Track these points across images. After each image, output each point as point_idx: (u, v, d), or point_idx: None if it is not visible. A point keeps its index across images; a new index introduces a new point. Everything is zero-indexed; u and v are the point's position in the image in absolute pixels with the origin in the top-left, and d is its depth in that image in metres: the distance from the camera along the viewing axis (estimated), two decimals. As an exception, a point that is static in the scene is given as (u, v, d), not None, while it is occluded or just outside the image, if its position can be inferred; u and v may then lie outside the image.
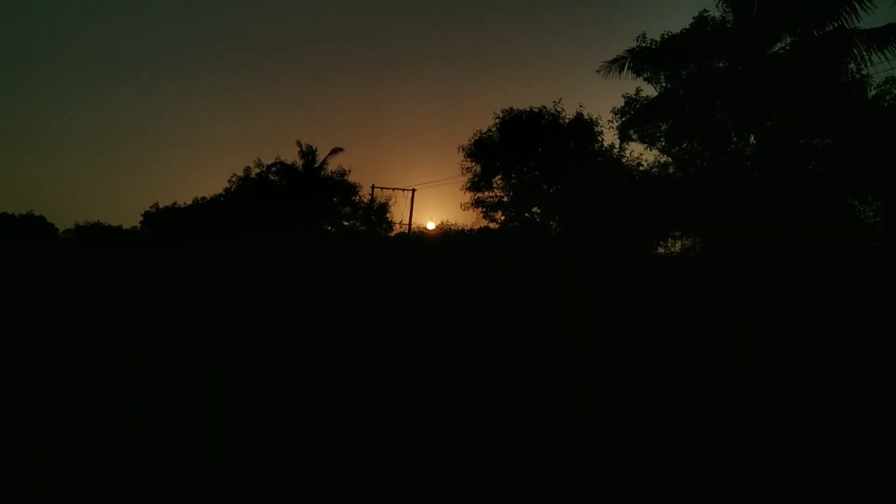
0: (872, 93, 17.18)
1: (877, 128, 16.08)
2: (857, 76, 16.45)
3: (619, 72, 19.54)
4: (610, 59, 19.68)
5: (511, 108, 25.23)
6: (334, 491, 5.54)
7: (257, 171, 46.74)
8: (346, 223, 45.11)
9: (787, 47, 16.94)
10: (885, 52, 14.96)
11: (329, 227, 45.08)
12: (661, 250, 22.22)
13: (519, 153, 25.17)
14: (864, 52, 15.34)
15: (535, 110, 24.82)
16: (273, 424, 7.31)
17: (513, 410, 8.17)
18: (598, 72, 19.97)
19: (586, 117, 24.35)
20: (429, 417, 7.83)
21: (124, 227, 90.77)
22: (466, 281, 28.25)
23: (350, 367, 10.91)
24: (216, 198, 59.75)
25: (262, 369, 10.31)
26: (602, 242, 22.13)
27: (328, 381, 9.66)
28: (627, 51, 19.35)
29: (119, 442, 6.38)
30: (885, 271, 13.60)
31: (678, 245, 21.56)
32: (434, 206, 76.60)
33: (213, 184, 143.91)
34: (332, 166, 44.25)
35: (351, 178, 44.18)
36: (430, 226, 45.45)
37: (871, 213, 15.78)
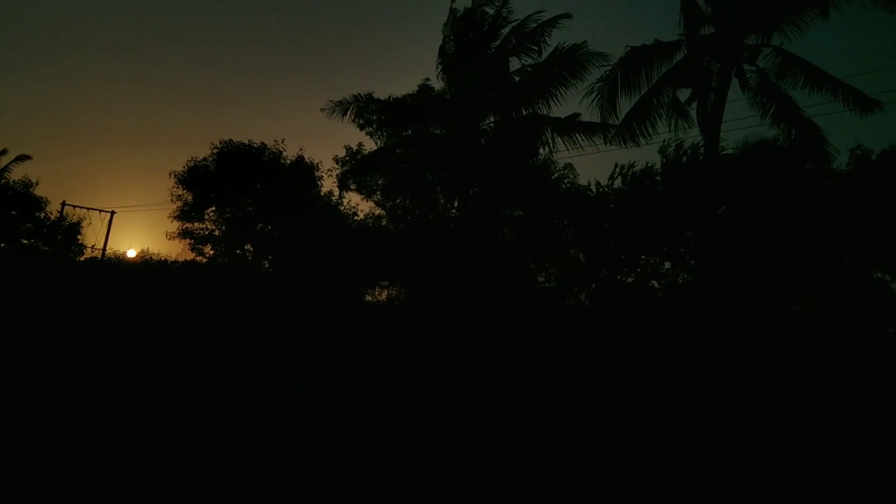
0: (556, 175, 19.70)
1: (556, 206, 18.44)
2: (548, 159, 18.83)
3: (343, 115, 20.12)
4: (337, 100, 20.17)
5: (231, 140, 24.35)
6: None
7: (-89, 172, 38.66)
8: (25, 241, 39.07)
9: (492, 124, 18.89)
10: (568, 139, 17.43)
11: (2, 245, 38.63)
12: (368, 298, 22.81)
13: (236, 187, 24.24)
14: (552, 137, 17.72)
15: (256, 146, 24.27)
16: None
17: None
18: (322, 110, 20.33)
19: (308, 161, 24.43)
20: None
21: None
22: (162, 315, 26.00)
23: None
24: None
25: None
26: (314, 286, 22.05)
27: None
28: (354, 96, 19.98)
29: None
30: (553, 326, 15.47)
31: (385, 294, 22.35)
32: (137, 233, 70.20)
33: None
34: (16, 175, 38.43)
35: (39, 192, 38.70)
36: (131, 253, 41.47)
37: (543, 279, 17.94)
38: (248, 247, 25.31)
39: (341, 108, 20.22)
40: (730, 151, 15.60)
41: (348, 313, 20.89)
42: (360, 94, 20.17)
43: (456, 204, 19.73)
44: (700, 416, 10.99)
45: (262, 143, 24.43)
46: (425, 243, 19.55)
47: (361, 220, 22.82)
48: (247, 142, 24.36)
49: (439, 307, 17.64)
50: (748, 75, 14.68)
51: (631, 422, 10.39)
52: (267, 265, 25.35)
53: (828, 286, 14.40)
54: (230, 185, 23.96)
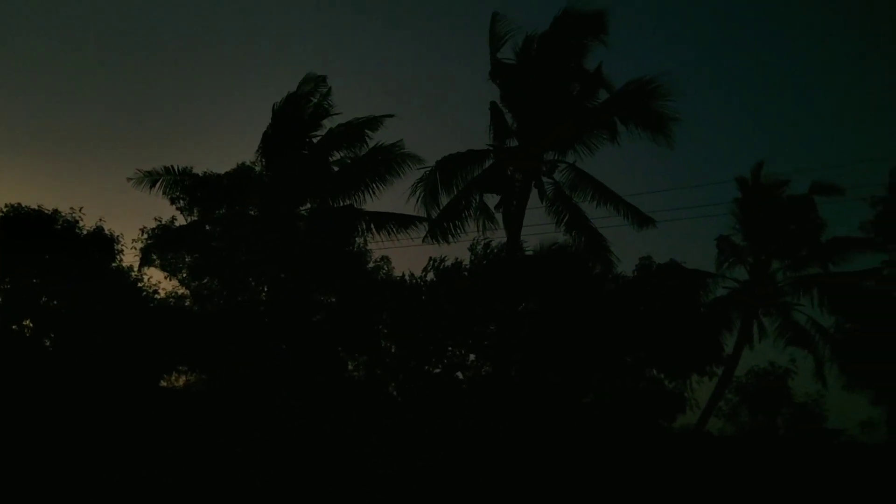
0: (372, 265, 19.97)
1: (370, 295, 18.66)
2: (363, 249, 19.13)
3: (151, 187, 19.19)
4: (147, 170, 19.21)
5: (19, 204, 21.96)
6: None
7: None
8: None
9: (309, 210, 18.97)
10: (382, 232, 17.97)
11: None
12: (164, 383, 21.25)
13: (19, 257, 21.78)
14: (368, 229, 18.16)
15: (48, 213, 22.11)
16: None
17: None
18: (129, 179, 19.31)
19: (107, 233, 22.60)
20: None
21: None
22: None
23: None
24: None
25: None
26: (105, 369, 20.17)
27: None
28: (165, 168, 19.15)
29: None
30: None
31: (182, 380, 21.00)
32: None
33: None
34: None
35: None
36: None
37: (352, 368, 17.93)
38: (27, 322, 22.62)
39: (150, 178, 19.26)
40: (529, 252, 16.97)
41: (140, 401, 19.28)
42: (172, 167, 19.36)
43: (267, 287, 19.31)
44: None
45: (56, 209, 22.29)
46: (232, 327, 18.78)
47: (163, 298, 21.45)
48: (37, 207, 22.13)
49: (243, 396, 16.86)
50: (546, 186, 16.27)
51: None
52: (48, 343, 22.78)
53: (611, 382, 15.81)
54: (13, 253, 21.48)
